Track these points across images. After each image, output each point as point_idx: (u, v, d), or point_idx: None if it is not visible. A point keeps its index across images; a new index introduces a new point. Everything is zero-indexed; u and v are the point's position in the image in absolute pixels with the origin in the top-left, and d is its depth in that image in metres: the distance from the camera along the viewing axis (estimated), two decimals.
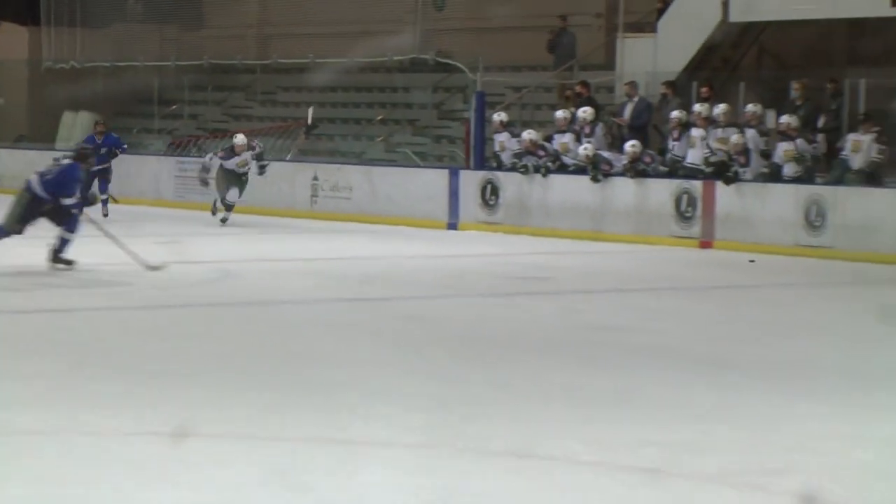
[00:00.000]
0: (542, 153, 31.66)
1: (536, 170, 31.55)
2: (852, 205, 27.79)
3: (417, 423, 12.66)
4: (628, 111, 32.77)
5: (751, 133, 29.71)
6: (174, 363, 15.82)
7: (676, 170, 30.58)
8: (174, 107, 43.57)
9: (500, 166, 33.16)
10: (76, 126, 42.91)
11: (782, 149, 29.00)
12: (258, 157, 32.68)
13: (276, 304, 21.52)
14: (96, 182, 32.07)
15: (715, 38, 32.81)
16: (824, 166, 29.30)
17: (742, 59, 33.12)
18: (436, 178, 33.94)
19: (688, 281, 24.80)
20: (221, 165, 32.88)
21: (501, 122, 33.66)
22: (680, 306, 22.19)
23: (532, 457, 11.47)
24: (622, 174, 30.95)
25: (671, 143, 31.21)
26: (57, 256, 23.39)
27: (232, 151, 32.93)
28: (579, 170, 31.26)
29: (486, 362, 16.63)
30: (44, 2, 45.78)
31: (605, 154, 31.42)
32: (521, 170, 32.08)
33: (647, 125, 32.23)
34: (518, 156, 32.52)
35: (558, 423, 12.79)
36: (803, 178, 28.94)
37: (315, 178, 34.25)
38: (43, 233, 23.47)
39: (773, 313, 21.55)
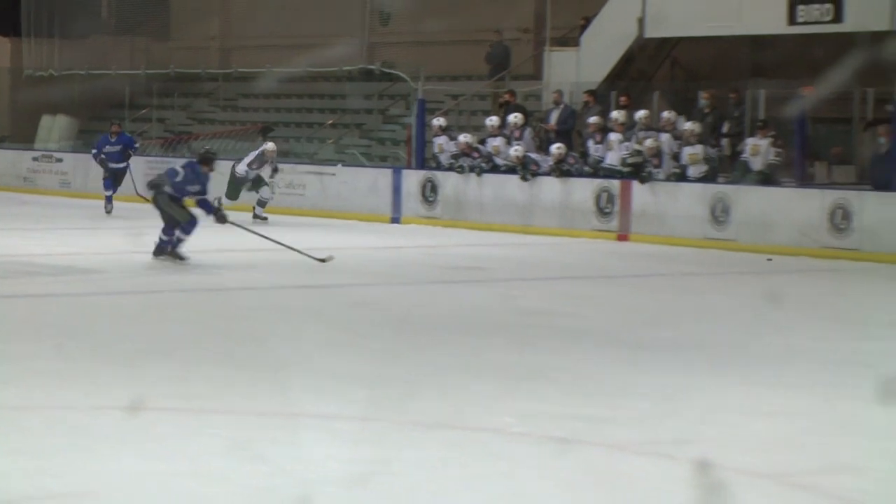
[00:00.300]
0: (476, 155, 31.76)
1: (471, 170, 31.65)
2: (752, 202, 28.06)
3: (361, 398, 12.72)
4: (554, 117, 32.90)
5: (665, 137, 29.92)
6: (143, 344, 15.89)
7: (597, 170, 30.67)
8: (144, 111, 43.49)
9: (439, 166, 33.24)
10: (54, 128, 42.79)
11: (687, 153, 29.21)
12: (274, 170, 32.24)
13: (235, 290, 21.60)
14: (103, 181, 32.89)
15: (632, 52, 33.08)
16: (728, 167, 29.45)
17: (656, 70, 33.24)
18: (380, 177, 34.00)
19: (606, 270, 24.91)
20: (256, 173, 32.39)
21: (440, 126, 33.71)
22: (599, 293, 22.33)
23: (466, 428, 11.63)
24: (548, 174, 31.07)
25: (592, 147, 31.32)
26: (167, 250, 23.30)
27: (263, 158, 32.31)
28: (510, 170, 31.41)
29: (424, 343, 16.80)
30: (25, 15, 45.66)
31: (533, 155, 31.56)
32: (458, 170, 32.20)
33: (571, 130, 32.35)
34: (455, 157, 32.59)
35: (490, 398, 12.90)
36: (709, 178, 29.20)
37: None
38: (31, 225, 23.43)
39: (681, 299, 21.82)
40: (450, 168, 32.82)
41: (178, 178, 24.20)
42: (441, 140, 33.47)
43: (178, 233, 23.75)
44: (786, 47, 30.96)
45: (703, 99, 31.27)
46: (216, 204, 25.50)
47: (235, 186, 31.74)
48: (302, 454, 10.65)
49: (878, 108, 29.35)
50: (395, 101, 37.85)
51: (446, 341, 16.90)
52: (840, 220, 26.54)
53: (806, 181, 28.70)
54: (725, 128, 30.55)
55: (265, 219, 31.38)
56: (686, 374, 14.67)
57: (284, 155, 35.12)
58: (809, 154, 29.30)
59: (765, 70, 32.00)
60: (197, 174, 24.41)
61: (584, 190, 30.45)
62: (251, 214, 31.41)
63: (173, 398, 12.73)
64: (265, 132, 37.25)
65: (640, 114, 30.92)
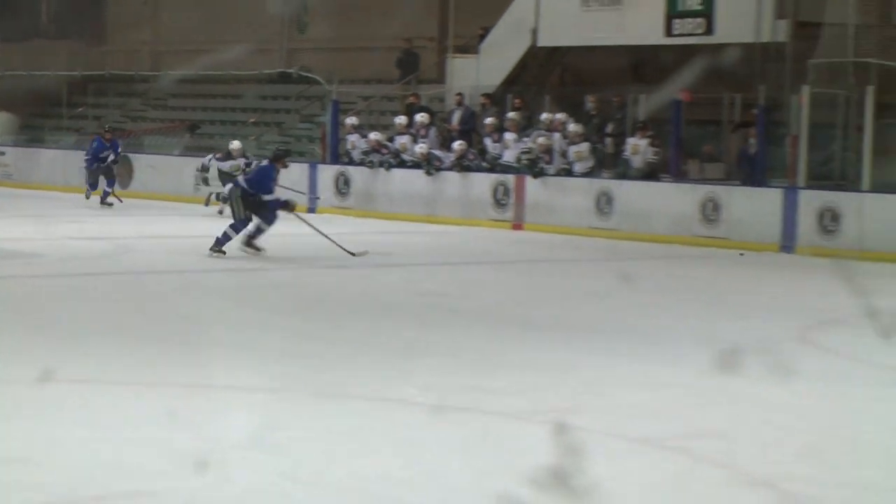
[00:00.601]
0: (385, 151, 31.94)
1: (381, 165, 31.80)
2: (633, 195, 28.38)
3: (278, 372, 12.91)
4: (456, 118, 33.04)
5: (556, 136, 30.09)
6: (78, 323, 16.01)
7: (494, 166, 30.81)
8: (80, 109, 43.31)
9: (351, 161, 33.27)
10: None
11: (573, 151, 29.42)
12: (247, 164, 31.03)
13: (163, 273, 21.73)
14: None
15: (526, 60, 33.16)
16: (611, 164, 29.65)
17: (548, 76, 33.36)
18: (298, 171, 33.97)
19: (503, 256, 25.09)
20: (218, 167, 31.77)
21: (352, 125, 33.87)
22: (496, 277, 22.57)
23: (375, 399, 11.80)
24: (450, 169, 31.24)
25: (490, 144, 31.47)
26: (250, 242, 22.99)
27: (228, 156, 31.65)
28: (416, 165, 31.53)
29: (338, 322, 17.00)
30: None
31: (437, 152, 31.72)
32: (369, 165, 32.35)
33: (471, 129, 32.47)
34: (366, 153, 32.73)
35: (394, 371, 13.17)
36: (594, 174, 29.39)
37: (197, 169, 34.21)
38: None
39: (567, 282, 22.02)
40: (361, 163, 32.93)
41: (252, 176, 24.20)
42: (353, 137, 33.59)
43: (252, 226, 23.48)
44: (664, 56, 31.16)
45: (590, 102, 31.68)
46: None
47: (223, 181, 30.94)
48: (222, 422, 10.73)
49: (744, 112, 29.64)
50: (312, 102, 37.90)
51: (358, 320, 17.04)
52: (710, 211, 26.88)
53: (680, 177, 28.90)
54: (609, 129, 30.76)
55: (221, 213, 30.76)
56: (571, 349, 14.86)
57: (210, 150, 35.08)
58: (683, 153, 29.53)
59: (644, 76, 32.22)
60: (268, 171, 24.20)
61: (482, 184, 30.63)
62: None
63: (105, 372, 12.82)
64: (192, 129, 37.29)
65: (544, 116, 31.12)
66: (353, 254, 23.00)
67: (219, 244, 23.02)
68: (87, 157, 33.64)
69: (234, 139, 32.78)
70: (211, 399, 11.74)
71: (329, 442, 10.23)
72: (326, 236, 23.68)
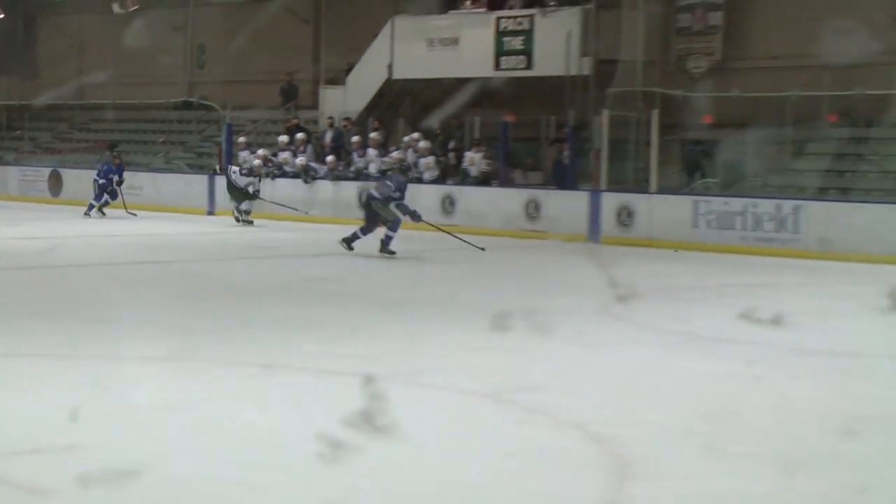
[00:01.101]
0: (270, 164, 31.68)
1: (267, 175, 31.55)
2: (471, 198, 28.56)
3: (183, 345, 12.72)
4: (328, 136, 33.08)
5: (409, 152, 30.28)
6: (9, 307, 15.76)
7: (360, 176, 30.87)
8: (18, 132, 42.86)
9: (242, 173, 33.02)
10: None
11: (423, 163, 29.64)
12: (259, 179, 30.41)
13: (91, 266, 21.24)
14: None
15: (383, 90, 33.28)
16: (453, 173, 29.82)
17: (402, 102, 33.44)
18: (199, 181, 33.96)
19: (368, 248, 24.74)
20: (234, 180, 29.85)
21: (244, 143, 33.75)
22: (361, 264, 22.36)
23: (267, 366, 11.74)
24: (324, 178, 31.28)
25: (356, 158, 31.57)
26: (385, 248, 22.19)
27: (251, 172, 29.99)
28: (295, 175, 31.45)
29: (234, 303, 16.94)
30: None
31: (313, 164, 31.71)
32: (264, 172, 32.18)
33: (341, 146, 32.45)
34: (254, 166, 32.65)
35: (283, 342, 13.11)
36: (439, 181, 29.63)
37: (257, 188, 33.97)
38: None
39: (421, 269, 22.27)
40: (252, 172, 32.74)
41: (385, 188, 22.99)
42: (244, 153, 33.19)
43: (386, 231, 22.78)
44: (493, 84, 31.35)
45: (435, 124, 31.73)
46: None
47: (237, 192, 29.90)
48: (135, 387, 10.74)
49: (558, 131, 29.98)
50: (210, 125, 37.68)
51: (252, 301, 17.02)
52: (532, 210, 27.21)
53: (508, 183, 29.16)
54: (451, 145, 30.97)
55: (251, 222, 29.93)
56: (426, 322, 15.15)
57: (128, 165, 34.93)
58: (510, 163, 29.86)
59: (479, 103, 32.36)
60: (399, 181, 23.30)
61: (350, 190, 30.32)
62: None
63: (37, 346, 12.73)
64: (111, 147, 37.02)
65: (407, 138, 31.29)
66: (482, 248, 23.07)
67: (381, 250, 22.61)
68: (96, 177, 32.11)
69: (256, 157, 31.26)
70: (124, 368, 11.69)
71: (226, 404, 10.21)
72: (455, 235, 23.96)
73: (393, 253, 22.49)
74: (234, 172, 29.50)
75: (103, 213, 31.45)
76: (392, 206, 22.68)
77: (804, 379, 11.78)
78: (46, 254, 22.79)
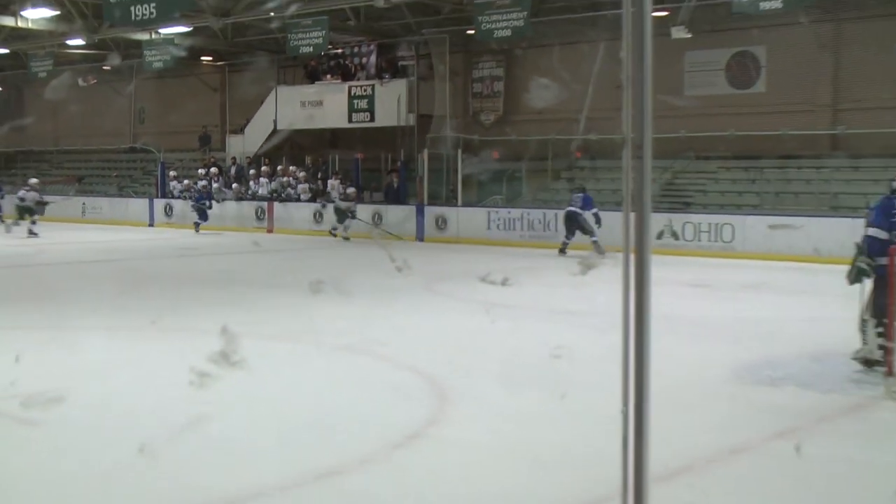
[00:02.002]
0: (193, 190, 31.37)
1: (189, 198, 31.18)
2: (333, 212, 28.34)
3: (117, 318, 12.71)
4: (233, 170, 32.84)
5: (291, 179, 30.20)
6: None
7: (255, 196, 30.73)
8: (12, 171, 41.77)
9: (173, 197, 32.68)
10: None
11: (300, 187, 29.52)
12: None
13: (62, 264, 20.90)
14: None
15: (271, 136, 32.90)
16: (321, 194, 29.55)
17: (284, 144, 33.14)
18: (143, 203, 33.52)
19: (264, 248, 24.85)
20: (336, 206, 26.89)
21: (174, 175, 33.41)
22: (258, 259, 22.36)
23: (188, 330, 11.45)
24: (231, 199, 31.01)
25: (253, 185, 31.38)
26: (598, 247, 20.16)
27: (347, 197, 27.01)
28: (210, 198, 31.07)
29: (161, 288, 16.79)
30: None
31: (225, 189, 31.44)
32: (182, 197, 31.84)
33: (242, 176, 32.23)
34: (182, 192, 32.25)
35: (203, 316, 12.68)
36: (311, 200, 29.49)
37: (83, 204, 33.41)
38: None
39: (301, 262, 21.58)
40: (178, 197, 32.42)
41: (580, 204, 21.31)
42: (174, 183, 33.12)
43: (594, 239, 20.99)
44: (352, 132, 31.43)
45: (308, 161, 31.64)
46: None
47: (341, 213, 26.93)
48: (82, 351, 10.52)
49: (392, 164, 30.09)
50: (149, 163, 37.16)
51: (183, 288, 16.77)
52: (378, 219, 27.24)
53: (360, 201, 29.18)
54: (319, 175, 30.89)
55: (347, 238, 26.67)
56: (298, 297, 14.64)
57: (92, 193, 34.35)
58: (363, 187, 29.95)
59: (338, 145, 32.39)
60: (588, 200, 21.52)
61: (249, 206, 30.38)
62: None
63: (24, 321, 12.53)
64: (79, 180, 36.35)
65: (292, 168, 31.03)
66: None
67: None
68: (191, 203, 30.57)
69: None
70: (71, 336, 11.44)
71: (156, 363, 9.99)
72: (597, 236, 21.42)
73: (604, 254, 19.72)
74: (335, 199, 27.51)
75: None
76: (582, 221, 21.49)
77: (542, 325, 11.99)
78: (29, 257, 22.30)
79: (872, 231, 8.83)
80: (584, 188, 22.58)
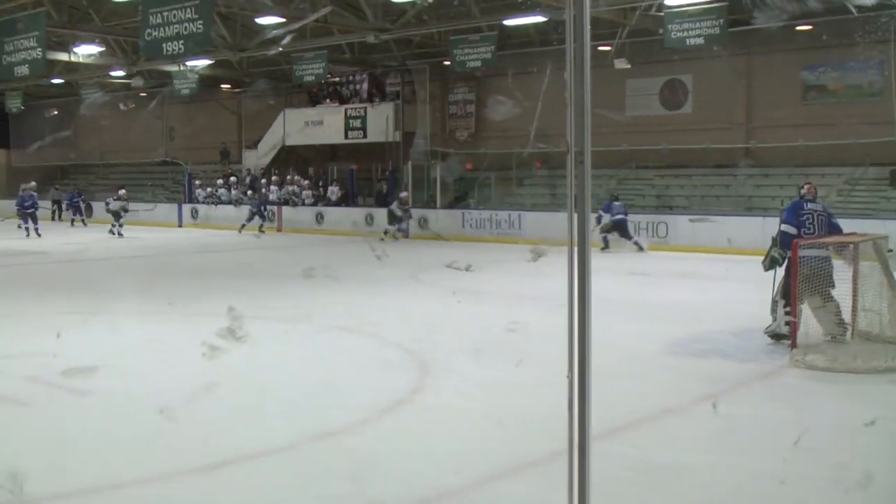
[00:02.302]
0: (215, 196, 31.07)
1: (213, 203, 30.87)
2: (335, 214, 27.98)
3: (153, 304, 12.35)
4: (248, 179, 32.38)
5: (296, 188, 30.01)
6: (53, 283, 15.33)
7: (268, 201, 30.47)
8: (65, 181, 41.14)
9: (198, 202, 32.43)
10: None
11: (304, 193, 29.29)
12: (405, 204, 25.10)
13: (104, 259, 20.62)
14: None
15: (280, 151, 32.79)
16: (322, 199, 29.42)
17: (291, 158, 32.87)
18: (172, 208, 33.14)
19: (275, 244, 24.64)
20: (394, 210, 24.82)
21: (199, 184, 33.18)
22: (267, 255, 22.12)
23: (202, 314, 11.25)
24: (247, 204, 30.61)
25: (264, 191, 30.92)
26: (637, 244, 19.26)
27: (402, 202, 24.77)
28: (230, 202, 30.71)
29: (182, 278, 16.34)
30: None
31: (242, 196, 31.13)
32: (206, 202, 31.56)
33: (258, 184, 32.05)
34: (206, 197, 32.04)
35: (186, 303, 12.63)
36: (314, 204, 29.23)
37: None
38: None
39: (307, 255, 21.08)
40: (203, 202, 32.27)
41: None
42: (199, 191, 32.93)
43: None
44: (349, 147, 31.36)
45: (311, 170, 31.37)
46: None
47: (394, 217, 24.84)
48: (115, 331, 10.39)
49: (382, 173, 29.88)
50: (178, 174, 36.79)
51: (194, 277, 16.54)
52: (369, 220, 26.92)
53: (354, 204, 28.97)
54: (321, 183, 30.76)
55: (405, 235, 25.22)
56: (300, 286, 14.67)
57: (127, 200, 34.18)
58: (355, 193, 29.82)
59: (337, 158, 32.27)
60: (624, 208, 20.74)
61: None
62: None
63: (67, 307, 12.37)
64: (121, 188, 36.01)
65: (298, 178, 30.55)
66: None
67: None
68: (250, 208, 28.38)
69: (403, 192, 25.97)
70: (108, 318, 11.34)
71: (133, 338, 9.95)
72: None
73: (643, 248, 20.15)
74: (394, 206, 25.07)
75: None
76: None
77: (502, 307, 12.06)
78: (74, 254, 21.87)
79: (784, 227, 9.11)
80: (617, 196, 21.58)
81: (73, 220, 33.15)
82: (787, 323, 8.73)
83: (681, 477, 5.49)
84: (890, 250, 9.19)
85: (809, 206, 9.22)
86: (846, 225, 10.31)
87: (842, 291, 8.81)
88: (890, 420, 6.71)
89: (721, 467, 5.64)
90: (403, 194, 25.41)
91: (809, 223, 9.08)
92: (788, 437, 6.15)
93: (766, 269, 9.30)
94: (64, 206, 34.84)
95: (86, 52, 27.80)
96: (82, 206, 33.72)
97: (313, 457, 5.89)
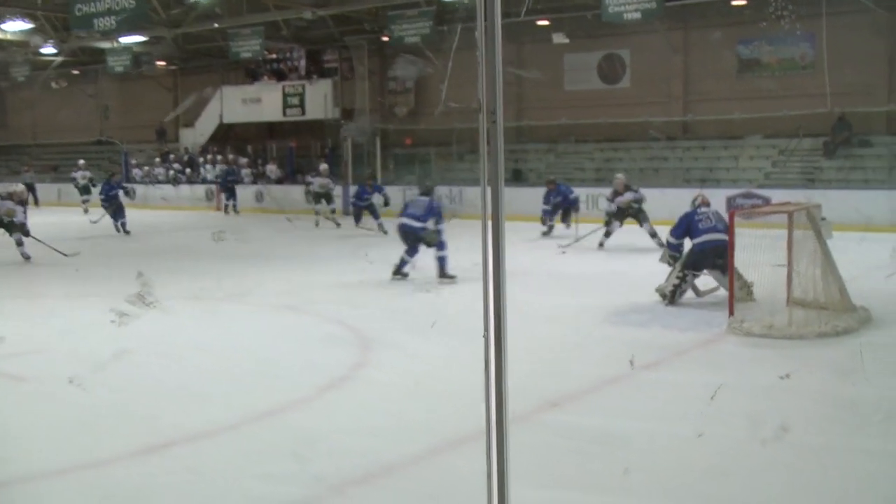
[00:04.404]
0: (152, 175, 30.61)
1: (150, 182, 30.41)
2: (274, 192, 27.84)
3: (86, 287, 12.27)
4: (185, 158, 32.11)
5: (235, 167, 29.67)
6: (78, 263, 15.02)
7: (204, 180, 30.11)
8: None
9: (134, 181, 31.86)
10: None
11: (243, 172, 29.00)
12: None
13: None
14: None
15: (218, 129, 32.38)
16: (261, 176, 29.24)
17: (229, 136, 32.64)
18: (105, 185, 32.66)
19: (211, 224, 24.40)
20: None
21: (135, 163, 32.59)
22: (206, 235, 21.92)
23: (103, 296, 11.43)
24: (186, 183, 30.26)
25: (202, 171, 30.77)
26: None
27: (318, 174, 22.29)
28: (166, 181, 30.24)
29: (163, 259, 15.91)
30: None
31: (181, 175, 30.74)
32: (144, 182, 31.07)
33: (194, 163, 31.64)
34: (142, 177, 31.52)
35: (165, 285, 12.32)
36: (254, 182, 29.00)
37: (59, 189, 32.06)
38: None
39: (258, 230, 20.86)
40: (140, 181, 31.61)
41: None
42: (136, 170, 32.42)
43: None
44: (286, 126, 31.10)
45: (250, 148, 31.11)
46: None
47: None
48: (19, 318, 10.39)
49: (322, 150, 29.73)
50: (114, 154, 36.11)
51: (167, 259, 16.14)
52: (311, 198, 26.82)
53: (294, 182, 28.65)
54: (259, 161, 30.48)
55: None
56: (242, 265, 14.38)
57: (66, 181, 33.45)
58: (295, 171, 29.55)
59: (275, 135, 32.03)
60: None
61: (199, 189, 29.70)
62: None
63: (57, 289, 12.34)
64: (55, 168, 35.28)
65: (237, 157, 30.41)
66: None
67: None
68: (352, 201, 27.06)
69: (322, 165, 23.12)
70: (38, 304, 11.25)
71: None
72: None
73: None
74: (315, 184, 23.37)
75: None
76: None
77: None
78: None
79: (671, 239, 10.59)
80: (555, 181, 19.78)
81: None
82: (673, 286, 10.19)
83: (619, 444, 5.59)
84: (823, 218, 9.43)
85: (702, 210, 10.50)
86: (781, 195, 10.65)
87: (777, 259, 9.04)
88: (805, 374, 7.07)
89: (660, 434, 5.74)
90: (323, 166, 22.88)
91: (706, 219, 10.26)
92: (721, 399, 6.33)
93: (660, 261, 10.98)
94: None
95: (13, 28, 27.15)
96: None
97: (256, 436, 5.88)
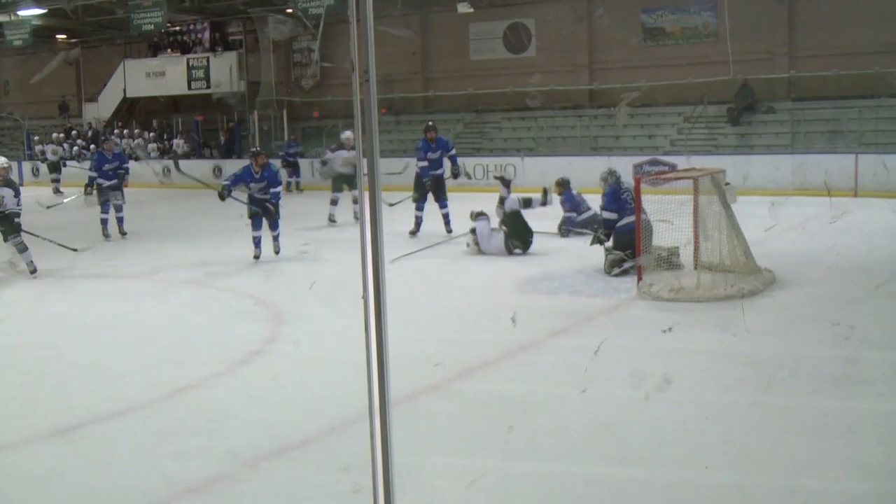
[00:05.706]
0: (56, 152, 29.75)
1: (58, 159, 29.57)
2: (181, 167, 27.33)
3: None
4: (90, 133, 31.01)
5: (141, 141, 28.96)
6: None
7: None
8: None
9: (38, 160, 30.98)
10: None
11: (150, 147, 28.38)
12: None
13: None
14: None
15: (122, 104, 31.46)
16: (168, 152, 28.65)
17: (134, 111, 31.91)
18: (13, 166, 31.59)
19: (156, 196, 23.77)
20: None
21: (37, 140, 31.58)
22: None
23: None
24: (89, 160, 29.36)
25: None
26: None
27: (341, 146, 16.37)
28: (73, 158, 29.38)
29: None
30: None
31: (85, 151, 29.90)
32: (45, 159, 30.15)
33: (98, 139, 30.79)
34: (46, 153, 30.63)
35: (71, 263, 12.26)
36: (160, 158, 28.38)
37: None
38: None
39: (147, 212, 20.77)
40: (42, 161, 30.62)
41: None
42: (38, 147, 31.23)
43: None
44: (189, 98, 30.53)
45: (155, 123, 30.34)
46: None
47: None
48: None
49: (228, 125, 29.27)
50: (15, 131, 34.98)
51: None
52: (217, 172, 26.15)
53: (201, 156, 28.22)
54: (165, 134, 29.79)
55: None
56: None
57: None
58: (202, 145, 29.06)
59: (180, 109, 31.29)
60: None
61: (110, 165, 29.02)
62: None
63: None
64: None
65: (142, 132, 29.71)
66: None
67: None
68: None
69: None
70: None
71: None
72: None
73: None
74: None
75: None
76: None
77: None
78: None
79: (607, 214, 10.42)
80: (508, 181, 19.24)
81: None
82: (612, 262, 10.03)
83: (533, 409, 5.66)
84: (727, 183, 9.63)
85: (625, 185, 10.54)
86: (686, 162, 10.85)
87: (683, 224, 9.26)
88: (686, 326, 7.51)
89: (572, 397, 5.83)
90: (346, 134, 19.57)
91: (630, 199, 10.17)
92: (629, 362, 6.50)
93: (591, 245, 10.73)
94: None
95: None
96: None
97: (169, 413, 5.81)
